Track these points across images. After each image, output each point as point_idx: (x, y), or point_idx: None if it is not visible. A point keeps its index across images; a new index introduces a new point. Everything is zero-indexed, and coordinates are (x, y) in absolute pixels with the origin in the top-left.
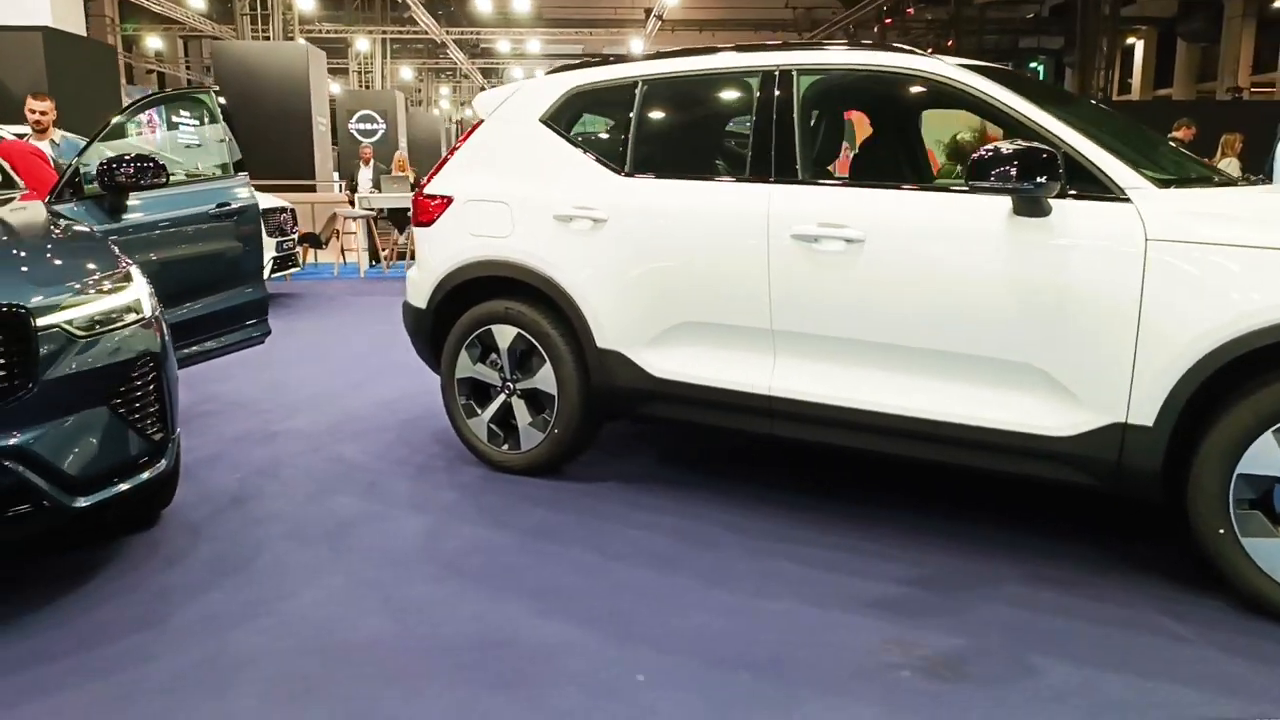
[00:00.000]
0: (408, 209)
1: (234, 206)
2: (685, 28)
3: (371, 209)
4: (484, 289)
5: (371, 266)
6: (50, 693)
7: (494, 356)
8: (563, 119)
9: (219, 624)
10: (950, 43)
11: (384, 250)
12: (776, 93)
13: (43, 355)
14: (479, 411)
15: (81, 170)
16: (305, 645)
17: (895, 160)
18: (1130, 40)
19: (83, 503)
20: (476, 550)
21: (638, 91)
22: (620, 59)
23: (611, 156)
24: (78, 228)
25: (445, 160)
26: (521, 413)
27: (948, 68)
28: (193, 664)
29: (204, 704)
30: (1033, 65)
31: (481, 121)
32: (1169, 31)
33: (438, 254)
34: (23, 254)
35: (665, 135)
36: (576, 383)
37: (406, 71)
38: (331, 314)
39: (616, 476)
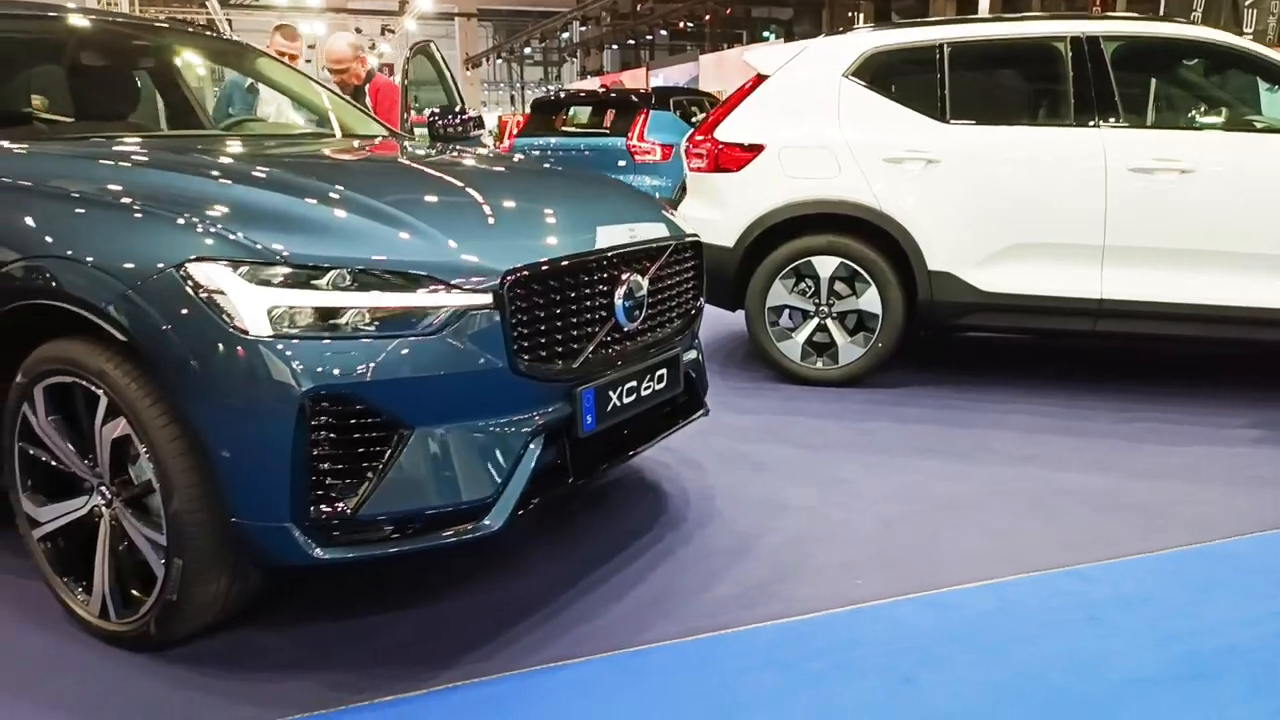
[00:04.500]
0: None
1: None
2: None
3: None
4: (790, 227)
5: None
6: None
7: (803, 285)
8: (866, 75)
9: (842, 498)
10: (725, 12)
11: None
12: (1089, 55)
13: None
14: (791, 334)
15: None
16: (931, 504)
17: (1189, 108)
18: (851, 13)
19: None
20: (906, 436)
21: (944, 53)
22: (911, 24)
23: (927, 107)
24: None
25: (726, 112)
26: (839, 332)
27: (1225, 36)
28: (884, 515)
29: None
30: (765, 35)
31: (763, 77)
32: (885, 7)
33: (749, 196)
34: (641, 195)
35: (979, 89)
36: (901, 302)
37: None
38: None
39: (916, 383)
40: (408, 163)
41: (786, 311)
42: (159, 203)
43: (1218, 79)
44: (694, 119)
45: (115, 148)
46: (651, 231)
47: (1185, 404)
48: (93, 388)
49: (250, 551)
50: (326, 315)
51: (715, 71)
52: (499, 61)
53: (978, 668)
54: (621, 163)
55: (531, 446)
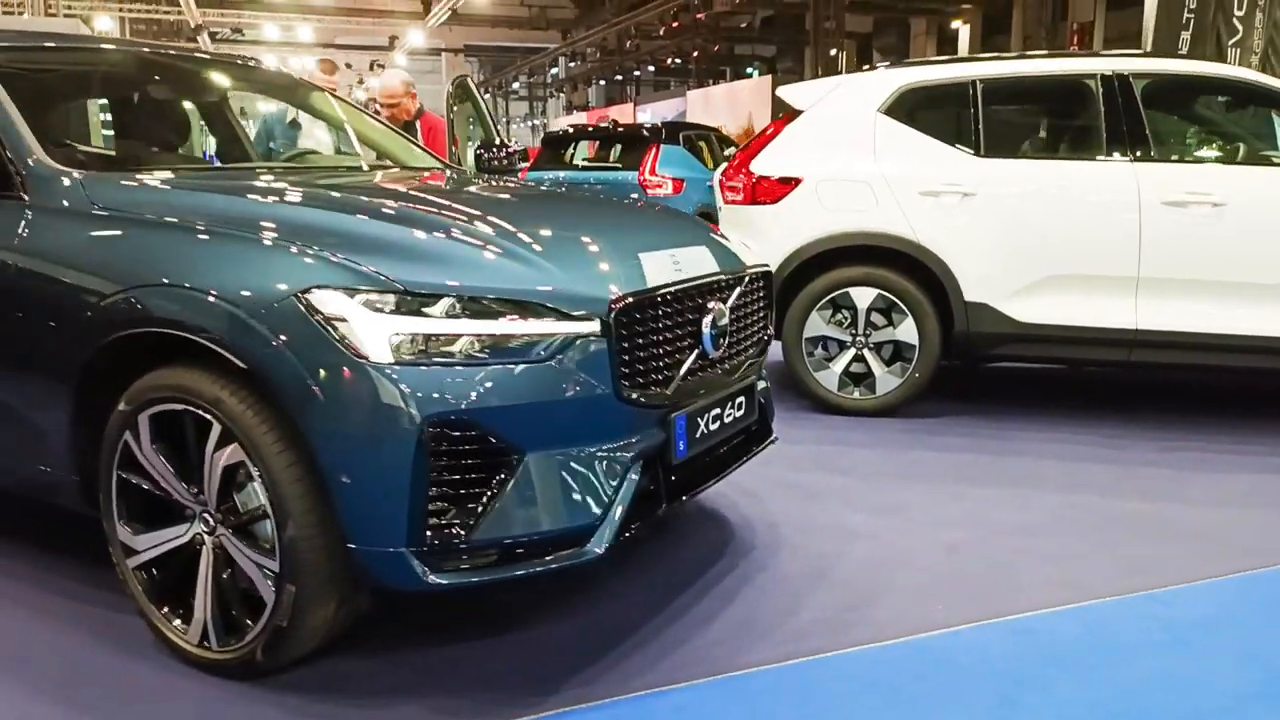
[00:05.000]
0: None
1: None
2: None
3: None
4: (827, 259)
5: None
6: None
7: (840, 316)
8: (900, 111)
9: (903, 525)
10: (713, 49)
11: None
12: (1120, 92)
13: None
14: (828, 365)
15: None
16: (989, 531)
17: (1216, 143)
18: (833, 51)
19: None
20: (951, 465)
21: (976, 90)
22: (941, 61)
23: (961, 141)
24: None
25: (760, 147)
26: (875, 362)
27: (1251, 73)
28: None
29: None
30: (749, 71)
31: (796, 112)
32: (867, 45)
33: (786, 229)
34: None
35: (1012, 124)
36: (937, 333)
37: None
38: None
39: (948, 414)
40: (492, 194)
41: (823, 342)
42: (275, 233)
43: (1237, 115)
44: (725, 154)
45: (218, 180)
46: (730, 261)
47: (1221, 433)
48: (205, 415)
49: (365, 577)
50: (444, 342)
51: (703, 106)
52: (485, 96)
53: (1077, 689)
54: (634, 196)
55: (632, 472)
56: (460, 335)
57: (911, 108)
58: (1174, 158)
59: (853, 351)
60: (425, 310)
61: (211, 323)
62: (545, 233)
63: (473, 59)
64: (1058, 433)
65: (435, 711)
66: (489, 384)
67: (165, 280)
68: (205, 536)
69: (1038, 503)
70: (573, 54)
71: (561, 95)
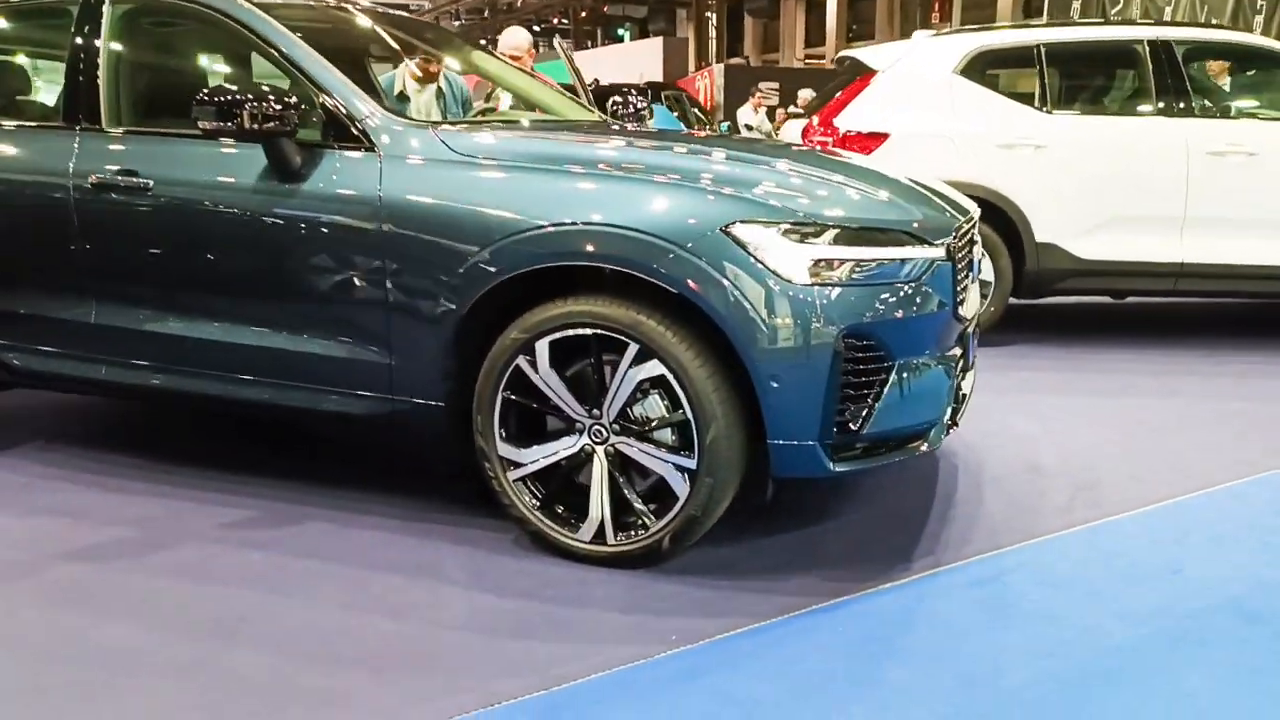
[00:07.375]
0: None
1: None
2: None
3: None
4: None
5: None
6: None
7: None
8: (973, 72)
9: (1064, 427)
10: (603, 9)
11: None
12: (1164, 56)
13: None
14: None
15: None
16: (1143, 430)
17: (1244, 101)
18: (707, 13)
19: None
20: (1058, 382)
21: (1042, 53)
22: (1008, 27)
23: (1029, 100)
24: None
25: (843, 104)
26: None
27: (1265, 40)
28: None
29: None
30: (620, 31)
31: (874, 72)
32: (738, 6)
33: None
34: None
35: (1072, 83)
36: (1010, 270)
37: None
38: None
39: (1015, 343)
40: (760, 144)
41: None
42: (676, 175)
43: (1262, 76)
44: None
45: (563, 133)
46: (968, 201)
47: (1256, 351)
48: (620, 337)
49: (780, 467)
50: (846, 266)
51: (593, 67)
52: None
53: None
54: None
55: (953, 379)
56: (857, 260)
57: (983, 69)
58: (1214, 113)
59: None
60: (828, 239)
61: (640, 256)
62: (862, 173)
63: None
64: (1121, 355)
65: (825, 579)
66: (879, 301)
67: (582, 219)
68: (595, 446)
69: (1154, 407)
70: (457, 13)
71: None
